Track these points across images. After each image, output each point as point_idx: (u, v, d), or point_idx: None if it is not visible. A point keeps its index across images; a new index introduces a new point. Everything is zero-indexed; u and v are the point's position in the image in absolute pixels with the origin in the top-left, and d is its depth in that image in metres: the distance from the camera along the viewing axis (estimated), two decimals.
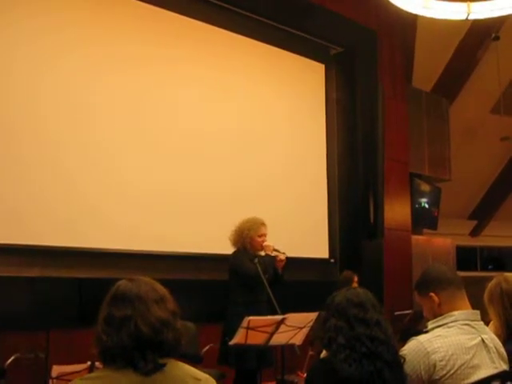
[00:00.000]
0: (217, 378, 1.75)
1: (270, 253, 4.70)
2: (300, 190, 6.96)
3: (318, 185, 7.30)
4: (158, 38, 5.86)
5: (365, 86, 7.55)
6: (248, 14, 6.46)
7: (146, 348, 1.59)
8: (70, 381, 2.57)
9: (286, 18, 6.76)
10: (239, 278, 4.59)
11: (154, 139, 5.70)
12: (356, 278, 5.77)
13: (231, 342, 3.85)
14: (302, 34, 7.03)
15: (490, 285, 2.93)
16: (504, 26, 9.07)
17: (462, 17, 4.53)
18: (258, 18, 6.56)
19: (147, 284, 1.72)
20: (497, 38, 9.13)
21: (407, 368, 2.14)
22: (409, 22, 7.89)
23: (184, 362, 1.70)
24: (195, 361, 1.87)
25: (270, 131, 6.76)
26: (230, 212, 5.67)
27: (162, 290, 1.74)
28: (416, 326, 5.47)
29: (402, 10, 4.57)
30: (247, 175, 6.41)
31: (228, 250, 4.78)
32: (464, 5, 4.48)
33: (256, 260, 4.51)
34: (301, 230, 6.76)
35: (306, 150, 7.16)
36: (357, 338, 2.03)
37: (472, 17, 4.59)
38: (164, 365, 1.61)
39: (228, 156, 6.28)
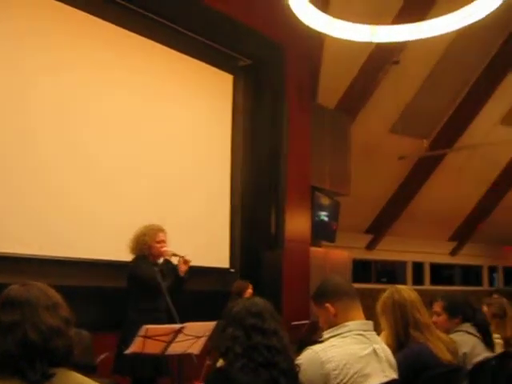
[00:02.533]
0: None
1: (168, 258, 4.68)
2: (203, 198, 6.95)
3: (221, 194, 7.33)
4: (72, 41, 5.71)
5: (271, 99, 7.67)
6: (163, 21, 6.41)
7: (34, 356, 1.52)
8: None
9: (196, 27, 6.75)
10: (138, 286, 4.52)
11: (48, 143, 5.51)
12: (251, 287, 5.80)
13: (127, 351, 3.77)
14: (212, 44, 7.05)
15: (383, 296, 3.04)
16: (404, 51, 9.55)
17: (366, 39, 4.71)
18: (171, 25, 6.51)
19: (40, 289, 1.65)
20: (397, 62, 9.61)
21: (302, 377, 2.17)
22: (316, 40, 8.11)
23: (77, 371, 1.64)
24: (89, 370, 1.81)
25: (176, 139, 6.71)
26: (130, 219, 5.56)
27: (56, 296, 1.67)
28: (312, 336, 5.59)
29: (309, 27, 4.68)
30: (149, 183, 6.30)
31: (128, 257, 4.70)
32: (368, 27, 4.66)
33: (156, 267, 4.46)
34: (202, 238, 6.74)
35: (211, 159, 7.16)
36: (254, 348, 2.04)
37: (375, 40, 4.79)
38: (53, 374, 1.54)
39: (131, 162, 6.15)
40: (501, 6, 4.09)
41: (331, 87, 9.68)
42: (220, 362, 2.15)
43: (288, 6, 4.45)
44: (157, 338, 3.73)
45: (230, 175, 7.45)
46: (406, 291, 3.02)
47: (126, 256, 4.73)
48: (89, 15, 5.83)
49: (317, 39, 8.06)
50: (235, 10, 6.97)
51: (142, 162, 6.27)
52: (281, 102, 7.67)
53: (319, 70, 9.19)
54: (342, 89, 10.02)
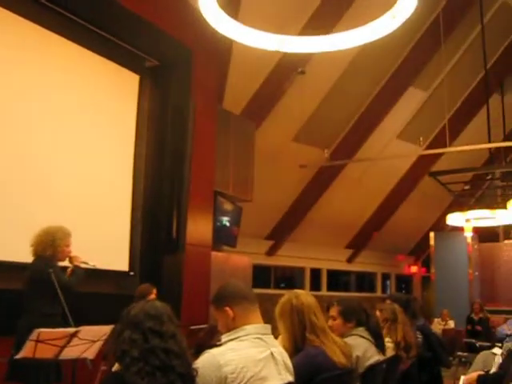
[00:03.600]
0: None
1: (78, 264, 4.60)
2: (103, 200, 6.77)
3: (123, 196, 7.17)
4: None
5: (177, 102, 7.61)
6: (70, 16, 6.20)
7: None
8: None
9: (103, 23, 6.58)
10: (41, 289, 4.33)
11: None
12: (154, 291, 5.73)
13: (17, 356, 3.62)
14: (119, 42, 6.89)
15: (282, 300, 3.09)
16: (310, 62, 9.79)
17: (273, 48, 4.78)
18: (78, 21, 6.31)
19: None
20: (303, 73, 9.84)
21: (200, 381, 2.15)
22: (224, 45, 8.14)
23: None
24: None
25: (78, 138, 6.49)
26: (25, 218, 5.34)
27: None
28: (211, 340, 5.58)
29: (218, 32, 4.69)
30: (48, 182, 6.07)
31: (22, 257, 4.50)
32: (276, 36, 4.73)
33: (52, 269, 4.32)
34: (101, 240, 6.56)
35: (113, 159, 7.00)
36: (151, 351, 2.00)
37: (283, 49, 4.87)
38: None
39: (28, 160, 5.88)
40: (403, 24, 4.29)
41: (238, 93, 9.75)
42: (116, 367, 2.10)
43: (198, 9, 4.44)
44: (50, 342, 3.60)
45: (133, 177, 7.30)
46: (304, 296, 3.08)
47: (20, 256, 4.53)
48: None
49: (225, 44, 8.11)
50: (145, 10, 6.89)
51: (41, 160, 6.02)
52: (187, 105, 7.62)
53: (226, 75, 9.24)
54: (249, 95, 10.11)
